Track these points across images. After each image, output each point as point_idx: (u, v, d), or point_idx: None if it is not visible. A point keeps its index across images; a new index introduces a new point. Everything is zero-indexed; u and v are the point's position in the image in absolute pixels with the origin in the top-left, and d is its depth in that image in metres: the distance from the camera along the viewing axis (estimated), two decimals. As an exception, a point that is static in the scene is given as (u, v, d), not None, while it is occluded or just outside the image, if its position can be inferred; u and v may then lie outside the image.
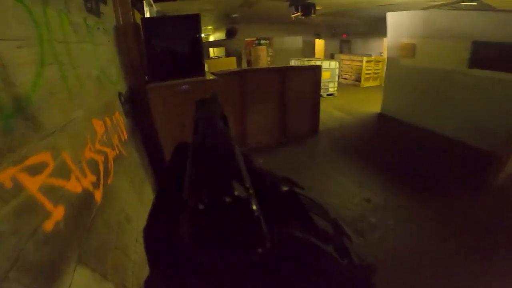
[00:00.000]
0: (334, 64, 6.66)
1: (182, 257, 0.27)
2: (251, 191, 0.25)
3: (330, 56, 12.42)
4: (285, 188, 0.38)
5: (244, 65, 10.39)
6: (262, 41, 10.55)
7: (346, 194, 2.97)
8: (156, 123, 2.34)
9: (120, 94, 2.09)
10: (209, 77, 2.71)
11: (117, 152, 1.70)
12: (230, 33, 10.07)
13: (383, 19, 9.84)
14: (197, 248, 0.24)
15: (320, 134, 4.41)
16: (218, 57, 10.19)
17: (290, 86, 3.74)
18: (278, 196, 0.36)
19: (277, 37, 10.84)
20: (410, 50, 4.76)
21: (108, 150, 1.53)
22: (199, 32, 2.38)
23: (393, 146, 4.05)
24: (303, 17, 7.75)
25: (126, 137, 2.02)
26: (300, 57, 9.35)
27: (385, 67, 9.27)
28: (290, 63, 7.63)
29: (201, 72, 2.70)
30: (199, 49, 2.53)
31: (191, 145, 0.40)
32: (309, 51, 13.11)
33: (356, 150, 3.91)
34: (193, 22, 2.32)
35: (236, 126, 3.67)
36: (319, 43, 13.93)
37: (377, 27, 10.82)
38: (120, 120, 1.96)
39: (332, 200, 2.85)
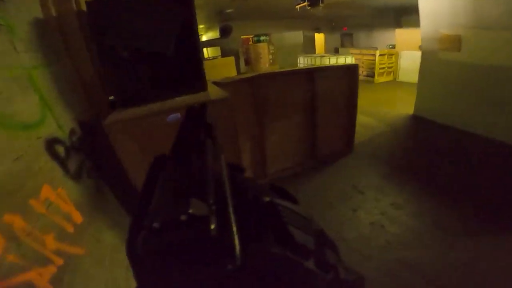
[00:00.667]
0: (350, 59, 5.73)
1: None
2: (213, 208, 0.24)
3: (335, 51, 11.52)
4: (266, 199, 0.33)
5: (242, 65, 9.37)
6: (262, 38, 9.35)
7: (422, 243, 2.06)
8: (131, 180, 1.37)
9: (54, 143, 1.12)
10: (214, 93, 1.73)
11: (60, 262, 0.99)
12: (224, 31, 9.04)
13: (392, 9, 9.01)
14: (154, 268, 0.23)
15: (355, 150, 3.47)
16: (214, 58, 9.12)
17: (320, 92, 2.77)
18: (258, 208, 0.33)
19: (275, 33, 9.81)
20: (455, 42, 3.86)
21: (31, 274, 0.85)
22: (194, 18, 1.37)
23: (454, 161, 3.12)
24: (309, 8, 6.82)
25: (80, 219, 1.13)
26: (302, 53, 8.38)
27: (399, 61, 8.46)
28: (298, 62, 6.65)
29: (201, 85, 1.72)
30: (195, 48, 1.55)
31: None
32: (310, 46, 12.20)
33: (407, 172, 2.98)
34: (181, 2, 1.33)
35: (251, 153, 2.69)
36: (319, 38, 13.06)
37: (384, 17, 9.92)
38: (57, 197, 1.03)
39: (407, 253, 1.93)
